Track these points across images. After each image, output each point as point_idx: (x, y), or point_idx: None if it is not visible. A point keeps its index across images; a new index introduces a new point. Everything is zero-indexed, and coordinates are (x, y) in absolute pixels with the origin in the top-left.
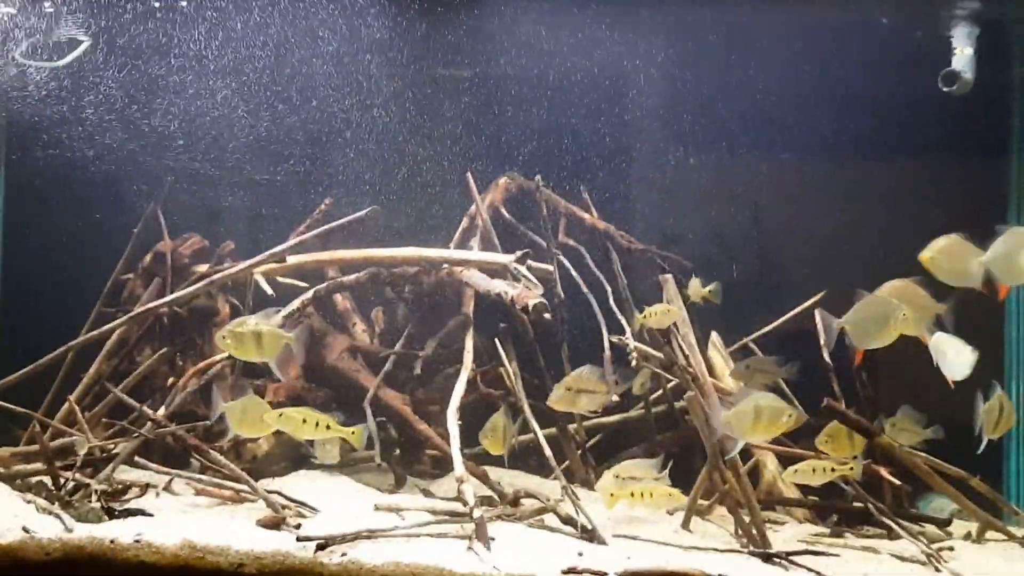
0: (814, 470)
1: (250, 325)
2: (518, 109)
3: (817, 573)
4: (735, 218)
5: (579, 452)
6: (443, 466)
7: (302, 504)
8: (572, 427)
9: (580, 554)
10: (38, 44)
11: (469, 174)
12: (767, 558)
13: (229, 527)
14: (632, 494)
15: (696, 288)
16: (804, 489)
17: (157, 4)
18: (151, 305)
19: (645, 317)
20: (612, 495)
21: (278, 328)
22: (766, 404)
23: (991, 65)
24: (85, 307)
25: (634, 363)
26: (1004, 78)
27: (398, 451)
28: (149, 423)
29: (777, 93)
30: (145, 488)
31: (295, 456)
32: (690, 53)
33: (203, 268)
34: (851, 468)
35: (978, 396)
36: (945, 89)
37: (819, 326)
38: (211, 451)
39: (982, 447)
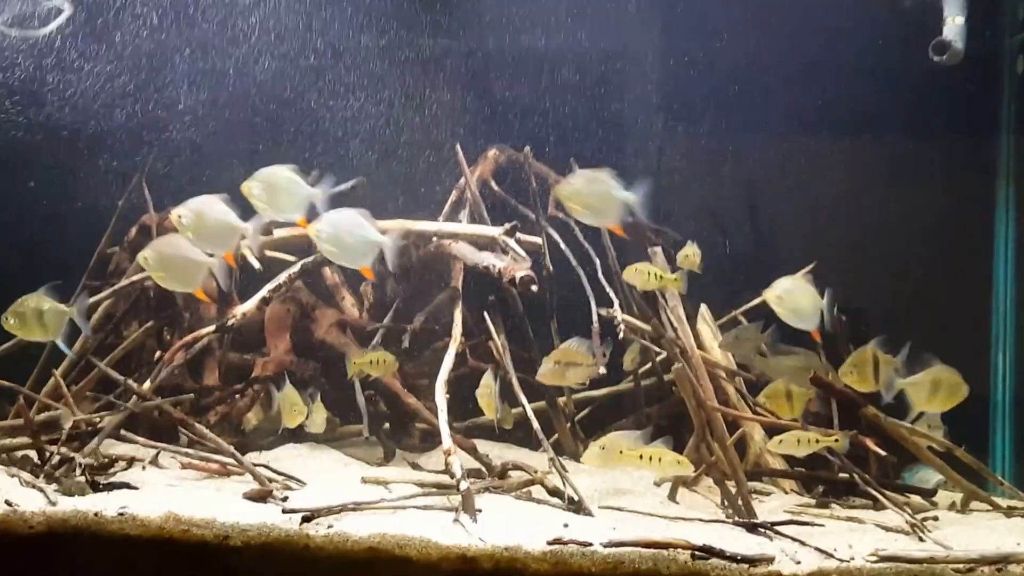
0: (798, 441)
1: (31, 303)
2: (508, 80)
3: (802, 543)
4: (724, 191)
5: (568, 425)
6: (432, 439)
7: (289, 477)
8: (561, 400)
9: (566, 525)
10: (20, 12)
11: (458, 146)
12: (752, 528)
13: (215, 500)
14: (640, 456)
15: (689, 254)
16: (791, 460)
17: None
18: (137, 278)
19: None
20: (621, 452)
21: (59, 304)
22: (946, 377)
23: (982, 35)
24: (71, 281)
25: (622, 335)
26: (995, 48)
27: (387, 425)
28: (135, 397)
29: (764, 64)
30: (131, 462)
31: (284, 429)
32: (678, 23)
33: None
34: (836, 439)
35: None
36: (935, 59)
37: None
38: (197, 425)
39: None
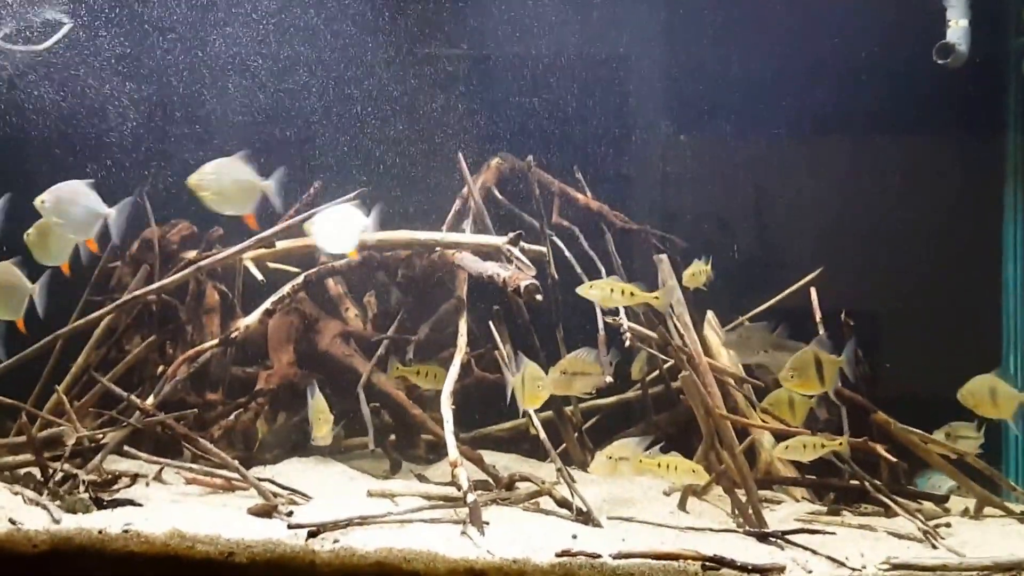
0: (804, 446)
1: None
2: (511, 88)
3: (813, 551)
4: (731, 196)
5: (575, 435)
6: (438, 451)
7: (294, 491)
8: (568, 409)
9: (574, 537)
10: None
11: (460, 155)
12: (763, 537)
13: (219, 516)
14: (659, 465)
15: (696, 272)
16: (801, 467)
17: None
18: (139, 292)
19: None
20: (641, 461)
21: None
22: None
23: (986, 37)
24: (73, 296)
25: (628, 344)
26: (1000, 51)
27: (393, 436)
28: (138, 412)
29: (770, 67)
30: (134, 478)
31: (288, 443)
32: (682, 26)
33: (192, 254)
34: (840, 444)
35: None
36: (940, 62)
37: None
38: (201, 439)
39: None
